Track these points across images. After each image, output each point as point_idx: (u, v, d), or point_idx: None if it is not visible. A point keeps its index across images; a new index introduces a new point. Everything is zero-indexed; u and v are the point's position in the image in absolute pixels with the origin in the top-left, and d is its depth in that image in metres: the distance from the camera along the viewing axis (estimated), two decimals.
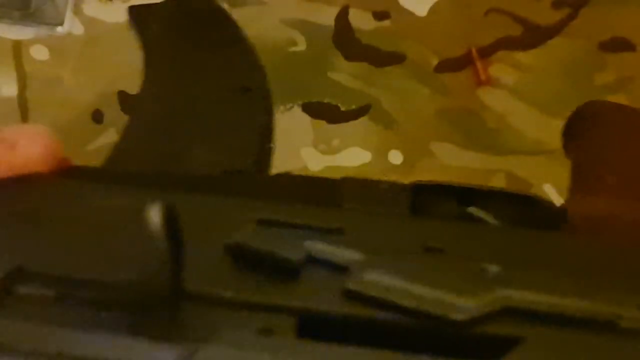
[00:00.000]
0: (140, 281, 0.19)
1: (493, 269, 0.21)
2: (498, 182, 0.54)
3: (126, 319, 0.19)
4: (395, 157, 0.54)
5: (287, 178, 0.27)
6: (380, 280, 0.20)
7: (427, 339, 0.20)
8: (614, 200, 0.27)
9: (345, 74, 0.55)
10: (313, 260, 0.21)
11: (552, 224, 0.25)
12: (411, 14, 0.56)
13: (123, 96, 0.55)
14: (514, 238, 0.24)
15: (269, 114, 0.33)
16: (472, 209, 0.26)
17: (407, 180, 0.26)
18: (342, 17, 0.56)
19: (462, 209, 0.26)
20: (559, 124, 0.56)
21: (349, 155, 0.54)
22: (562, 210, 0.26)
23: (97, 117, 0.54)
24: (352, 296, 0.20)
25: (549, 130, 0.54)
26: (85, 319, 0.19)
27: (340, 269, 0.21)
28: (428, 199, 0.26)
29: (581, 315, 0.20)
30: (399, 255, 0.21)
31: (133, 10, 0.37)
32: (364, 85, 0.55)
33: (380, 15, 0.56)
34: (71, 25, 0.56)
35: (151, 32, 0.36)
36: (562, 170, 0.54)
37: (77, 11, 0.56)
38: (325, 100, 0.55)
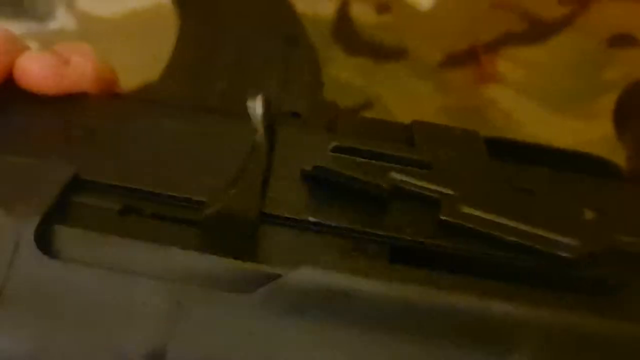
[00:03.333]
0: (230, 194, 0.18)
1: (589, 213, 0.21)
2: None
3: (204, 237, 0.18)
4: None
5: (352, 118, 0.26)
6: (476, 213, 0.20)
7: (530, 275, 0.19)
8: None
9: (345, 70, 0.54)
10: (401, 192, 0.20)
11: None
12: (414, 7, 0.55)
13: None
14: (599, 186, 0.23)
15: (317, 70, 0.32)
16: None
17: None
18: (343, 10, 0.55)
19: None
20: (565, 121, 0.56)
21: None
22: (628, 171, 0.26)
23: None
24: (446, 227, 0.19)
25: (556, 128, 0.54)
26: (156, 234, 0.19)
27: (431, 202, 0.20)
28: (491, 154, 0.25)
29: None
30: (491, 191, 0.21)
31: None
32: (364, 81, 0.54)
33: (381, 9, 0.55)
34: (64, 20, 0.55)
35: None
36: None
37: (70, 6, 0.55)
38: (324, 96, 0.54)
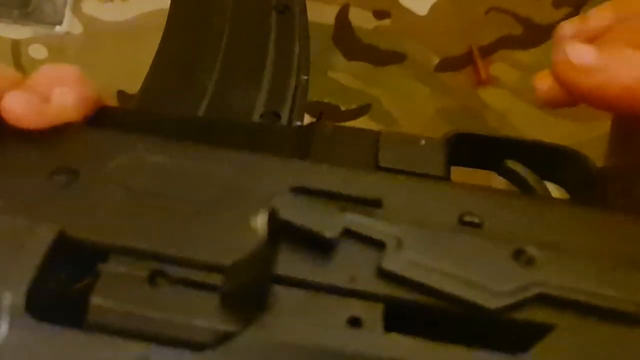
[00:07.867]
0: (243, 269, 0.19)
1: (530, 250, 0.20)
2: (499, 182, 0.53)
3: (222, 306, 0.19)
4: None
5: (322, 128, 0.26)
6: (415, 260, 0.20)
7: (458, 323, 0.19)
8: None
9: (345, 74, 0.55)
10: (351, 234, 0.21)
11: (587, 179, 0.25)
12: (412, 13, 0.56)
13: (122, 96, 0.55)
14: (554, 212, 0.23)
15: (306, 35, 0.31)
16: (510, 162, 0.25)
17: None
18: (342, 15, 0.55)
19: (499, 162, 0.25)
20: (559, 123, 0.56)
21: None
22: (599, 168, 0.26)
23: None
24: (386, 275, 0.20)
25: (550, 129, 0.54)
26: (180, 301, 0.19)
27: (377, 244, 0.20)
28: (466, 151, 0.25)
29: (615, 306, 0.19)
30: (435, 232, 0.21)
31: None
32: (364, 85, 0.55)
33: (380, 14, 0.56)
34: (70, 24, 0.56)
35: None
36: None
37: (76, 10, 0.56)
38: (325, 100, 0.54)
